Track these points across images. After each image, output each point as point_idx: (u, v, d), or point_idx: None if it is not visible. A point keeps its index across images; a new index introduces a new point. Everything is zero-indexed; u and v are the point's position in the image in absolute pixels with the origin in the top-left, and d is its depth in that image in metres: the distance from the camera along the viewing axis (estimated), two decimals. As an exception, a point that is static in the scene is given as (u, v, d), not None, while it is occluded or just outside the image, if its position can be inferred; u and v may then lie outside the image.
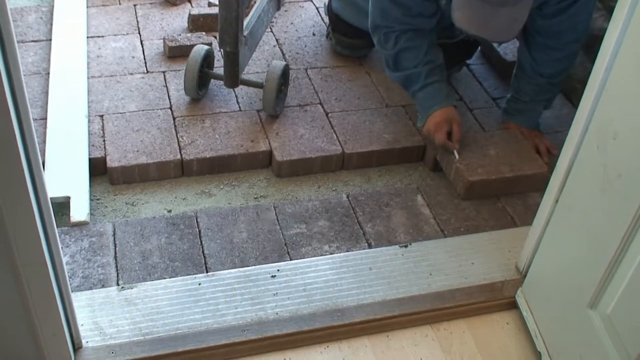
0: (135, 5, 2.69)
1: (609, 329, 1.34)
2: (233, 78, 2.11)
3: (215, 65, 2.30)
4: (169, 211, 1.90)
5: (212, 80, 2.25)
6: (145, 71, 2.35)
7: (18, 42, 1.94)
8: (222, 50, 2.09)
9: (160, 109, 2.18)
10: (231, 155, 2.03)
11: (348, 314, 1.60)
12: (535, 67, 2.09)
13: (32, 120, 1.12)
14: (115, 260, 1.70)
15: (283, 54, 2.49)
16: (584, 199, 1.40)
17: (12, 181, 1.11)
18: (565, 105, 2.39)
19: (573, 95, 2.38)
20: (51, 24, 2.53)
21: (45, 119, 2.09)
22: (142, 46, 2.47)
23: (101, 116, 2.13)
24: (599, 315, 1.37)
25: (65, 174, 1.90)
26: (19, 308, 1.29)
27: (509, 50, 2.50)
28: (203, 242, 1.77)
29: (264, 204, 1.92)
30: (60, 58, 2.35)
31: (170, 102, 2.21)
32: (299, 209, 1.90)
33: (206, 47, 2.19)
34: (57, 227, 1.28)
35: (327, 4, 2.50)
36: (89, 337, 1.50)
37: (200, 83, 2.18)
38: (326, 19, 2.55)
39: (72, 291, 1.40)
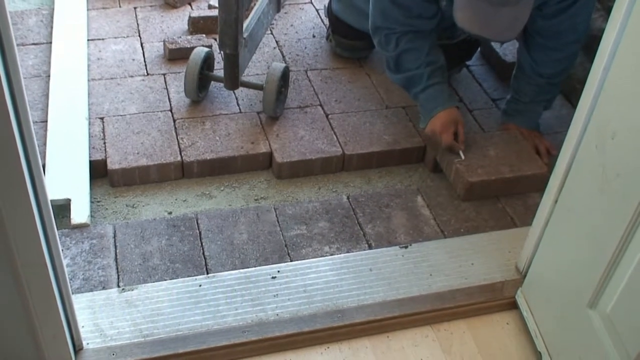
0: (135, 8, 2.70)
1: (609, 329, 1.35)
2: (233, 80, 2.12)
3: (215, 68, 2.30)
4: (170, 213, 1.90)
5: (212, 82, 2.26)
6: (146, 73, 2.35)
7: (18, 45, 1.95)
8: (222, 52, 2.09)
9: (161, 111, 2.18)
10: (231, 157, 2.03)
11: (348, 314, 1.61)
12: (535, 67, 2.09)
13: (31, 123, 1.12)
14: (116, 262, 1.71)
15: (283, 56, 2.49)
16: (583, 199, 1.41)
17: (12, 184, 1.11)
18: (565, 105, 2.39)
19: (573, 96, 2.38)
20: (51, 27, 2.53)
21: (46, 121, 2.09)
22: (143, 49, 2.48)
23: (101, 118, 2.13)
24: (599, 315, 1.37)
25: (65, 176, 1.91)
26: (20, 310, 1.29)
27: (508, 51, 2.51)
28: (203, 244, 1.77)
29: (265, 206, 1.92)
30: (60, 61, 2.35)
31: (170, 105, 2.21)
32: (300, 210, 1.90)
33: (206, 49, 2.19)
34: (57, 229, 1.28)
35: (327, 5, 2.50)
36: (89, 339, 1.50)
37: (200, 85, 2.18)
38: (326, 21, 2.56)
39: (72, 293, 1.40)
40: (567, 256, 1.49)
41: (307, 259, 1.76)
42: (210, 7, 2.68)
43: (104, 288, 1.64)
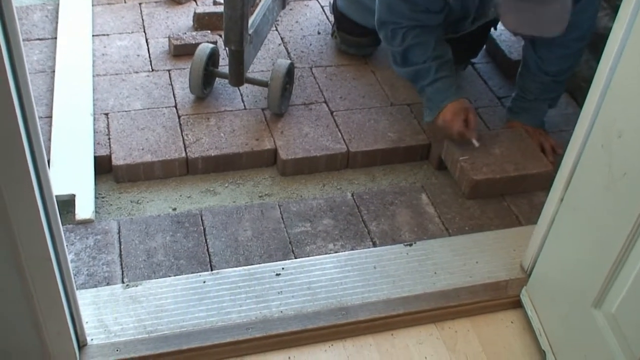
0: (140, 4, 2.70)
1: (614, 328, 1.34)
2: (238, 76, 2.11)
3: (220, 64, 2.30)
4: (174, 209, 1.90)
5: (217, 78, 2.26)
6: (151, 69, 2.35)
7: (23, 40, 1.94)
8: (227, 48, 2.09)
9: (166, 107, 2.18)
10: (236, 153, 2.03)
11: (353, 312, 1.60)
12: (540, 65, 2.09)
13: (37, 119, 1.12)
14: (120, 258, 1.71)
15: (288, 53, 2.49)
16: (589, 198, 1.40)
17: (17, 179, 1.11)
18: (570, 104, 2.38)
19: (578, 94, 2.37)
20: (56, 22, 2.53)
21: (51, 117, 2.09)
22: (147, 44, 2.48)
23: (106, 114, 2.13)
24: (604, 315, 1.37)
25: (70, 171, 1.91)
26: (24, 306, 1.29)
27: (514, 49, 2.50)
28: (208, 240, 1.77)
29: (269, 203, 1.92)
30: (65, 56, 2.35)
31: (175, 101, 2.21)
32: (304, 207, 1.90)
33: (211, 45, 2.19)
34: (62, 225, 1.28)
35: (332, 2, 2.50)
36: (93, 335, 1.50)
37: (205, 81, 2.18)
38: (331, 18, 2.55)
39: (77, 289, 1.40)
40: (573, 255, 1.49)
41: (311, 256, 1.75)
42: (215, 3, 2.68)
43: (108, 284, 1.64)
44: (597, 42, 2.21)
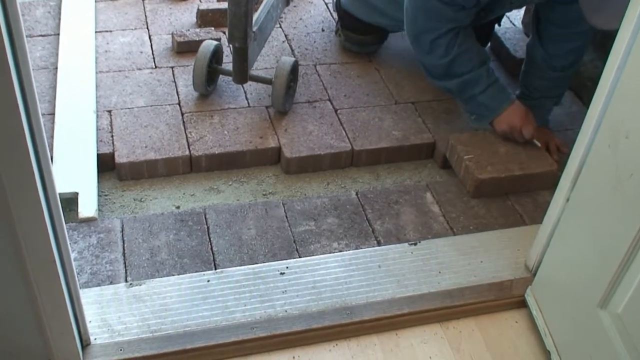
0: (143, 0, 2.69)
1: (620, 329, 1.34)
2: (242, 74, 2.11)
3: (223, 61, 2.29)
4: (178, 207, 1.89)
5: (220, 76, 2.25)
6: (154, 66, 2.35)
7: (25, 36, 1.93)
8: (231, 45, 2.08)
9: (169, 105, 2.17)
10: (240, 151, 2.02)
11: (357, 312, 1.60)
12: (547, 60, 2.08)
13: (40, 116, 1.11)
14: (124, 256, 1.70)
15: (292, 50, 2.48)
16: (596, 199, 1.39)
17: (21, 177, 1.11)
18: (575, 102, 2.38)
19: (583, 93, 2.36)
20: (59, 19, 2.53)
21: (53, 114, 2.08)
22: (151, 41, 2.47)
23: (109, 111, 2.12)
24: (609, 315, 1.37)
25: (73, 169, 1.90)
26: (28, 306, 1.29)
27: (518, 47, 2.49)
28: (212, 239, 1.76)
29: (273, 201, 1.91)
30: (68, 53, 2.34)
31: (178, 98, 2.20)
32: (308, 206, 1.89)
33: (215, 42, 2.18)
34: (65, 223, 1.27)
35: (335, 0, 2.48)
36: (97, 334, 1.50)
37: (209, 79, 2.17)
38: (335, 15, 2.54)
39: (80, 288, 1.39)
40: (578, 255, 1.48)
41: (316, 255, 1.75)
42: (218, -1, 2.68)
43: (111, 283, 1.63)
44: (603, 42, 2.22)
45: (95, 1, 2.65)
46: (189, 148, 2.01)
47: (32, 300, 1.28)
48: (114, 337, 1.50)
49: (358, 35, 2.42)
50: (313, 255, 1.74)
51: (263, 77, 2.18)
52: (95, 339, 1.49)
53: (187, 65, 2.33)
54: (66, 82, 2.21)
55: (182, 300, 1.59)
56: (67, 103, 2.12)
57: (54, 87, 2.20)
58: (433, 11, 1.97)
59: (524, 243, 1.79)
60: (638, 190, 1.24)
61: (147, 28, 2.54)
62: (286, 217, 1.85)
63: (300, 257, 1.74)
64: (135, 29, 2.53)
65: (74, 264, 1.33)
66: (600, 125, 1.37)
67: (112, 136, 2.03)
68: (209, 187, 1.98)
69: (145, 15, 2.61)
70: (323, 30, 2.59)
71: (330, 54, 2.48)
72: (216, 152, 2.01)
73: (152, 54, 2.40)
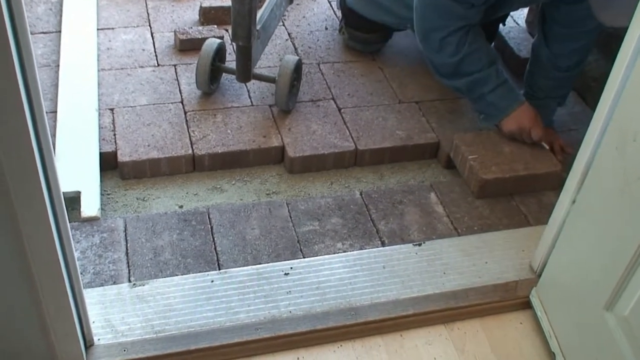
0: (145, -3, 2.68)
1: (626, 332, 1.33)
2: (245, 72, 2.10)
3: (227, 59, 2.28)
4: (181, 207, 1.88)
5: (223, 74, 2.24)
6: (156, 64, 2.33)
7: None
8: (234, 44, 2.07)
9: (172, 103, 2.16)
10: (243, 150, 2.01)
11: (362, 312, 1.59)
12: (553, 60, 2.07)
13: (45, 115, 1.10)
14: (127, 256, 1.69)
15: (295, 48, 2.47)
16: (602, 201, 1.39)
17: (24, 176, 1.10)
18: (579, 103, 2.37)
19: (587, 93, 2.36)
20: (61, 16, 2.51)
21: (55, 112, 2.07)
22: (153, 39, 2.46)
23: (112, 110, 2.11)
24: (616, 318, 1.36)
25: (75, 168, 1.89)
26: (31, 305, 1.28)
27: (522, 46, 2.48)
28: (215, 239, 1.75)
29: (277, 201, 1.90)
30: (70, 50, 2.33)
31: (181, 96, 2.19)
32: (312, 205, 1.88)
33: (218, 40, 2.17)
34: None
35: (338, -2, 2.48)
36: (100, 335, 1.49)
37: (212, 77, 2.16)
38: (339, 13, 2.53)
39: (83, 288, 1.38)
40: (584, 257, 1.47)
41: (320, 255, 1.74)
42: (221, -3, 2.66)
43: (114, 283, 1.62)
44: (608, 41, 2.21)
45: (97, -2, 2.64)
46: (192, 147, 2.00)
47: (35, 301, 1.27)
48: (118, 337, 1.49)
49: (362, 34, 2.41)
50: (317, 256, 1.74)
51: (266, 76, 2.17)
52: (98, 339, 1.48)
53: (190, 64, 2.32)
54: (68, 79, 2.20)
55: (186, 301, 1.58)
56: (69, 101, 2.11)
57: (55, 85, 2.18)
58: (443, 9, 1.96)
59: (529, 244, 1.78)
60: (646, 194, 1.24)
61: (150, 25, 2.53)
62: (290, 217, 1.84)
63: (304, 257, 1.73)
64: (138, 26, 2.52)
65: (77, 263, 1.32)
66: (608, 127, 1.36)
67: (114, 135, 2.01)
68: (212, 187, 1.97)
69: (148, 13, 2.59)
70: (326, 29, 2.58)
71: (334, 52, 2.47)
72: (219, 151, 2.00)
73: (155, 51, 2.39)
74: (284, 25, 2.58)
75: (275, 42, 2.48)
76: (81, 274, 1.59)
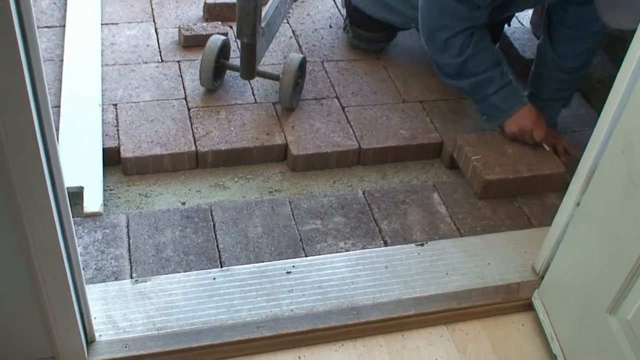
0: (149, -7, 2.67)
1: (629, 336, 1.33)
2: (250, 69, 2.09)
3: (231, 56, 2.28)
4: (183, 203, 1.88)
5: (227, 71, 2.23)
6: (160, 60, 2.33)
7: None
8: (238, 41, 2.06)
9: (175, 99, 2.16)
10: (246, 148, 2.01)
11: (364, 312, 1.59)
12: (558, 62, 2.06)
13: (50, 110, 1.10)
14: (129, 252, 1.69)
15: (299, 46, 2.47)
16: (607, 204, 1.38)
17: (29, 171, 1.10)
18: (583, 104, 2.36)
19: (591, 95, 2.35)
20: (65, 10, 2.51)
21: (59, 106, 2.07)
22: (157, 35, 2.45)
23: (115, 105, 2.11)
24: (619, 321, 1.36)
25: (78, 163, 1.88)
26: (34, 301, 1.28)
27: (527, 47, 2.48)
28: (218, 236, 1.75)
29: (279, 199, 1.90)
30: (74, 45, 2.33)
31: (185, 93, 2.19)
32: (315, 204, 1.88)
33: (223, 37, 2.17)
34: (71, 218, 1.26)
35: (343, -4, 2.47)
36: (102, 331, 1.49)
37: (216, 74, 2.16)
38: (343, 11, 2.53)
39: (85, 283, 1.38)
40: (588, 260, 1.47)
41: (322, 254, 1.74)
42: (225, -7, 2.65)
43: (116, 279, 1.62)
44: (613, 44, 2.20)
45: (102, -7, 2.63)
46: (195, 143, 1.99)
47: (37, 296, 1.27)
48: (119, 334, 1.49)
49: (366, 32, 2.41)
50: (319, 255, 1.73)
51: (270, 73, 2.16)
52: (100, 335, 1.48)
53: (194, 60, 2.32)
54: (72, 74, 2.20)
55: (188, 298, 1.58)
56: (72, 96, 2.11)
57: (59, 80, 2.18)
58: (448, 9, 1.95)
59: (532, 245, 1.78)
60: (652, 197, 1.23)
61: (154, 21, 2.52)
62: (293, 215, 1.84)
63: (306, 256, 1.73)
64: (142, 22, 2.51)
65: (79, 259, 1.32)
66: (614, 130, 1.36)
67: (117, 130, 2.01)
68: (214, 184, 1.96)
69: (152, 8, 2.59)
70: (331, 27, 2.58)
71: (338, 50, 2.46)
72: (222, 148, 1.99)
73: (159, 47, 2.39)
74: (288, 22, 2.58)
75: (279, 39, 2.47)
76: (83, 269, 1.57)
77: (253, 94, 2.21)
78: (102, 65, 2.27)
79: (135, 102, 2.12)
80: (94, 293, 1.55)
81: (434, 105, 2.24)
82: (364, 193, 1.93)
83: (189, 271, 1.65)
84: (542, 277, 1.67)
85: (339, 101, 2.22)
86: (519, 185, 1.96)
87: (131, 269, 1.65)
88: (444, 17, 1.98)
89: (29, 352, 1.38)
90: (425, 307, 1.63)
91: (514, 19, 2.57)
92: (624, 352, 1.33)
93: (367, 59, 2.43)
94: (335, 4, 2.70)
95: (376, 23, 2.35)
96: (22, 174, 1.09)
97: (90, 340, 1.46)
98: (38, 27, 2.33)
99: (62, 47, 2.32)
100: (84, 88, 2.14)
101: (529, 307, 1.68)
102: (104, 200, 1.83)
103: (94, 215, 1.77)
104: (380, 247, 1.77)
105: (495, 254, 1.77)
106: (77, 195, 1.81)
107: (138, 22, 2.51)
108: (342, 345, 1.57)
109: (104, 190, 1.88)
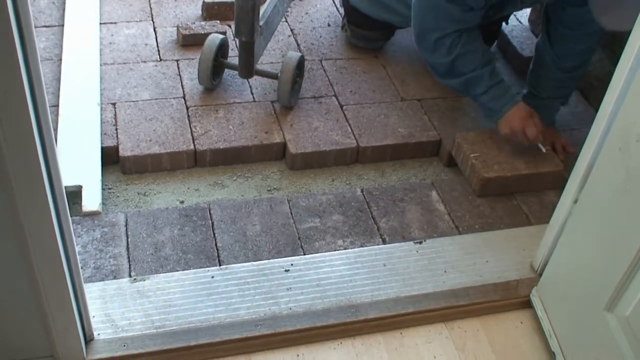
0: (148, -8, 2.67)
1: (627, 332, 1.33)
2: (248, 68, 2.09)
3: (229, 55, 2.28)
4: (182, 202, 1.88)
5: (226, 69, 2.23)
6: (159, 59, 2.33)
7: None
8: (237, 39, 2.06)
9: (174, 98, 2.16)
10: (245, 146, 2.01)
11: (362, 310, 1.59)
12: (557, 61, 2.06)
13: (48, 108, 1.10)
14: (128, 251, 1.69)
15: (298, 45, 2.47)
16: (605, 201, 1.38)
17: (27, 170, 1.10)
18: (581, 102, 2.36)
19: (589, 93, 2.35)
20: (63, 9, 2.51)
21: (57, 106, 2.07)
22: (155, 34, 2.45)
23: (114, 104, 2.11)
24: (617, 318, 1.36)
25: (77, 162, 1.89)
26: (32, 299, 1.28)
27: (525, 45, 2.48)
28: (216, 235, 1.75)
29: (278, 197, 1.90)
30: (72, 44, 2.33)
31: (183, 91, 2.19)
32: (313, 202, 1.88)
33: (221, 36, 2.17)
34: (69, 216, 1.26)
35: (342, -5, 2.47)
36: (100, 329, 1.49)
37: (214, 72, 2.16)
38: (341, 10, 2.53)
39: (83, 282, 1.38)
40: (585, 257, 1.47)
41: (321, 252, 1.74)
42: (224, -8, 2.66)
43: (115, 277, 1.62)
44: (610, 42, 2.21)
45: (100, -8, 2.64)
46: (193, 142, 2.00)
47: (36, 295, 1.27)
48: (118, 332, 1.49)
49: (364, 31, 2.41)
50: (318, 253, 1.73)
51: (269, 72, 2.16)
52: (98, 334, 1.48)
53: (192, 59, 2.32)
54: (70, 73, 2.20)
55: (186, 297, 1.58)
56: (71, 95, 2.11)
57: (58, 79, 2.18)
58: (441, 10, 1.95)
59: (530, 243, 1.78)
60: (649, 194, 1.24)
61: (152, 20, 2.52)
62: (291, 213, 1.84)
63: (305, 254, 1.73)
64: (140, 21, 2.52)
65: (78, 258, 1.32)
66: (611, 127, 1.36)
67: (116, 129, 2.01)
68: (213, 182, 1.96)
69: (150, 7, 2.59)
70: (329, 25, 2.58)
71: (336, 49, 2.46)
72: (221, 147, 2.00)
73: (157, 46, 2.39)
74: (286, 21, 2.58)
75: (277, 38, 2.48)
76: (82, 268, 1.58)
77: (251, 93, 2.21)
78: (100, 65, 2.27)
79: (133, 101, 2.13)
80: (92, 292, 1.56)
81: (432, 103, 2.25)
82: (362, 191, 1.93)
83: (188, 270, 1.65)
84: (541, 275, 1.67)
85: (337, 99, 2.22)
86: (517, 183, 1.96)
87: (130, 267, 1.65)
88: (436, 19, 1.98)
89: (27, 351, 1.39)
90: (424, 305, 1.63)
91: (512, 17, 2.57)
92: (622, 348, 1.33)
93: (366, 58, 2.43)
94: (334, 2, 2.70)
95: (374, 22, 2.35)
96: (20, 174, 1.09)
97: (88, 339, 1.46)
98: (36, 27, 2.36)
99: (61, 46, 2.33)
100: (83, 87, 2.15)
101: (527, 304, 1.68)
102: (102, 199, 1.83)
103: (92, 214, 1.77)
104: (378, 245, 1.78)
105: (493, 251, 1.77)
106: (75, 194, 1.81)
107: (136, 21, 2.51)
108: (341, 343, 1.57)
109: (103, 189, 1.88)
